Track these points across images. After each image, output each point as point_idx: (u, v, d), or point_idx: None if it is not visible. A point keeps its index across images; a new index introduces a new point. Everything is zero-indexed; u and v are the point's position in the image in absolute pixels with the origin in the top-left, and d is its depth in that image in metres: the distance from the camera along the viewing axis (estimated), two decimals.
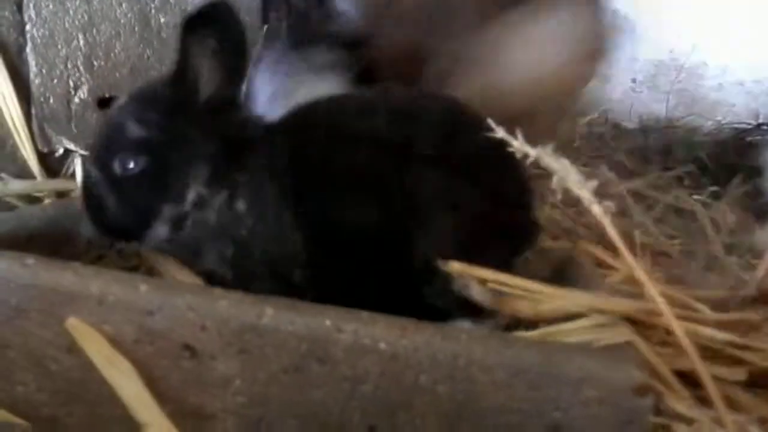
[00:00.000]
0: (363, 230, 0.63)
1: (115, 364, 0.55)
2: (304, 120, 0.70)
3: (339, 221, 0.64)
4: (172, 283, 0.63)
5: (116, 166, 0.66)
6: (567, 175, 0.55)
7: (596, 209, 0.54)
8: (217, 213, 0.66)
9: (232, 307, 0.55)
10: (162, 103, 0.67)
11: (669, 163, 1.77)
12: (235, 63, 0.66)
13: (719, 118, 2.20)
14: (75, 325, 0.56)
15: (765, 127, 1.96)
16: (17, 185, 0.93)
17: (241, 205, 0.66)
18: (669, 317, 0.51)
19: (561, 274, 0.81)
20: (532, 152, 0.59)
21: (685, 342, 0.51)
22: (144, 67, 1.26)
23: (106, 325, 0.56)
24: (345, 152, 0.65)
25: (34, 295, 0.58)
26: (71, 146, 1.06)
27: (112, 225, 0.69)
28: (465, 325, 0.63)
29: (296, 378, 0.53)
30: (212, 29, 0.64)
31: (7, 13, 0.90)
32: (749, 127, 1.96)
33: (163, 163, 0.66)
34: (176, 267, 0.74)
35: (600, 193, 1.11)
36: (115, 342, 0.56)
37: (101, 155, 0.68)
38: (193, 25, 0.64)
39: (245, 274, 0.65)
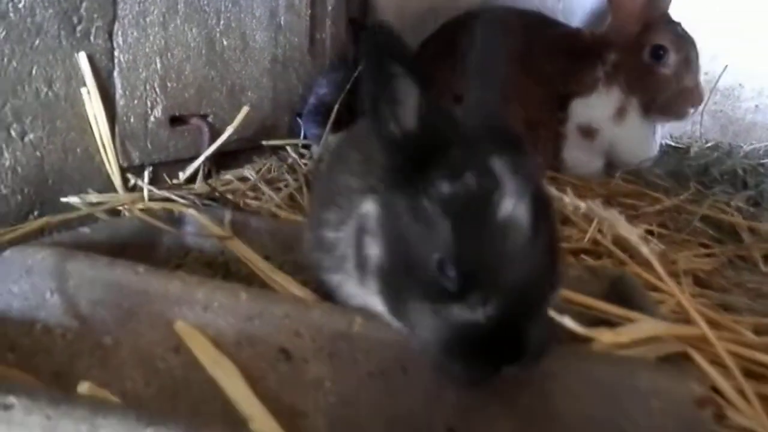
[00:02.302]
0: None
1: (220, 364, 0.61)
2: None
3: None
4: (269, 292, 0.69)
5: None
6: (617, 222, 0.61)
7: (645, 250, 0.59)
8: None
9: (324, 315, 0.61)
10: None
11: (707, 182, 1.80)
12: None
13: (754, 140, 2.22)
14: (182, 327, 0.63)
15: None
16: (102, 198, 1.01)
17: None
18: (713, 339, 0.56)
19: (615, 293, 0.85)
20: (583, 205, 0.65)
21: (730, 362, 0.56)
22: (209, 87, 1.35)
23: (210, 329, 0.63)
24: None
25: (145, 300, 0.65)
26: (145, 161, 1.14)
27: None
28: None
29: (383, 383, 0.59)
30: None
31: (100, 41, 0.98)
32: None
33: None
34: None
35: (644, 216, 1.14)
36: (218, 344, 0.62)
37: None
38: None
39: None
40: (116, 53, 1.03)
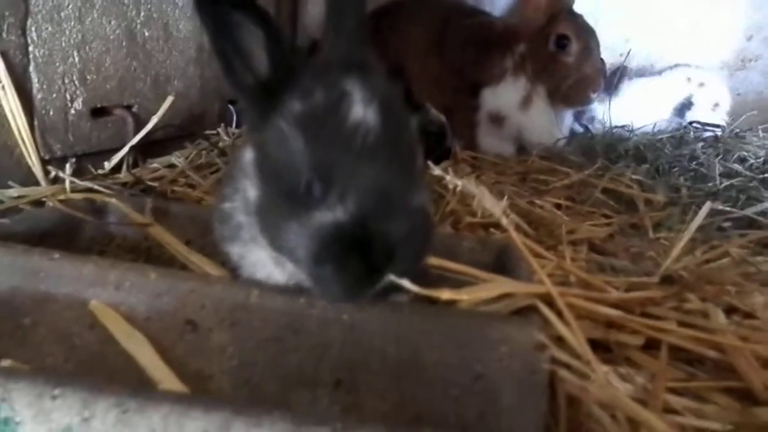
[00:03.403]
0: None
1: (132, 337, 0.68)
2: None
3: None
4: (177, 271, 0.76)
5: None
6: (483, 197, 0.71)
7: (504, 221, 0.69)
8: None
9: (225, 289, 0.68)
10: None
11: (613, 158, 1.95)
12: None
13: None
14: (97, 306, 0.69)
15: (696, 125, 2.16)
16: (24, 191, 1.05)
17: None
18: (555, 294, 0.67)
19: (501, 260, 0.96)
20: (459, 182, 0.75)
21: (567, 313, 0.67)
22: (131, 78, 1.38)
23: (123, 306, 0.70)
24: None
25: (61, 283, 0.71)
26: (68, 152, 1.18)
27: None
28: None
29: (277, 345, 0.67)
30: None
31: (13, 37, 1.01)
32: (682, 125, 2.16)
33: None
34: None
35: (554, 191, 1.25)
36: (130, 320, 0.69)
37: None
38: None
39: None
40: (31, 48, 1.05)
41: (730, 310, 0.96)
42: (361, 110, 0.56)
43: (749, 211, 1.47)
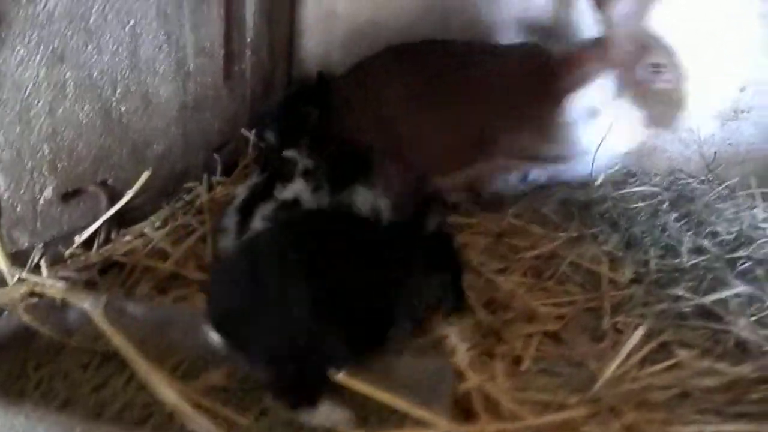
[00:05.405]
0: None
1: None
2: None
3: None
4: (103, 426, 0.81)
5: None
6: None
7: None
8: None
9: None
10: None
11: (587, 220, 1.93)
12: None
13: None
14: None
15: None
16: None
17: None
18: None
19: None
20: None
21: None
22: (105, 154, 1.42)
23: None
24: None
25: None
26: (36, 242, 1.23)
27: None
28: None
29: None
30: None
31: None
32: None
33: None
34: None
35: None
36: None
37: None
38: None
39: None
40: None
41: None
42: None
43: (707, 299, 1.48)
